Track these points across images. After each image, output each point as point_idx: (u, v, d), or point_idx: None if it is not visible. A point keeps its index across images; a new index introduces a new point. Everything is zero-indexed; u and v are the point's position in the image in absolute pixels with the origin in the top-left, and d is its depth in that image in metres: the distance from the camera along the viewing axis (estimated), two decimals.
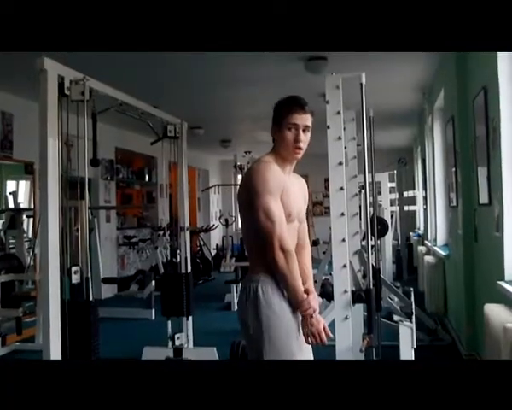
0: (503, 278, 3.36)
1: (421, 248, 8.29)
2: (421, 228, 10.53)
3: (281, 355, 2.18)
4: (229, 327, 6.48)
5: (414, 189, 11.36)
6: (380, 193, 9.15)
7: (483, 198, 4.00)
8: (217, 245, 13.43)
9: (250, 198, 2.22)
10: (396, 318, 2.77)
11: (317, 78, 5.29)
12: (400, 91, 7.12)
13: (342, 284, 3.21)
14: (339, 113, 3.23)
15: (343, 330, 3.13)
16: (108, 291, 8.46)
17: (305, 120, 2.30)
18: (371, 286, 3.17)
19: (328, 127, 3.23)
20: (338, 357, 3.19)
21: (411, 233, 10.99)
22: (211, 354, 4.89)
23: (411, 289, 2.89)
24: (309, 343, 2.22)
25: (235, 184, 13.72)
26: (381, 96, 6.46)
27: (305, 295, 2.18)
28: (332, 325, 3.42)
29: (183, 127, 5.07)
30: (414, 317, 2.67)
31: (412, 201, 10.98)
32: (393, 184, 9.42)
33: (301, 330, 2.22)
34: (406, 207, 10.66)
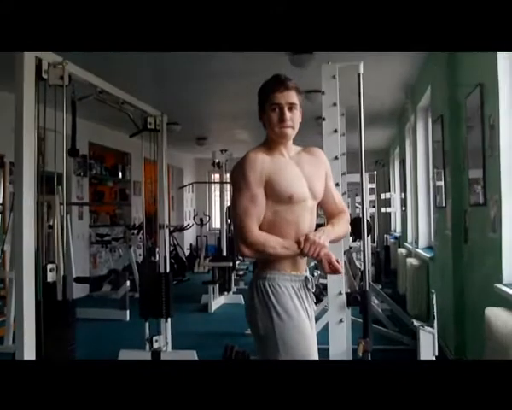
0: (500, 281, 3.23)
1: (402, 251, 8.21)
2: (398, 230, 10.47)
3: (295, 356, 2.05)
4: (207, 329, 6.30)
5: (389, 191, 11.30)
6: (357, 194, 9.07)
7: (476, 198, 3.89)
8: (190, 245, 13.18)
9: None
10: (416, 322, 2.61)
11: (301, 73, 5.13)
12: (380, 91, 6.91)
13: (337, 285, 3.05)
14: (335, 104, 3.08)
15: (338, 334, 2.97)
16: (80, 291, 8.16)
17: (289, 97, 2.13)
18: (368, 288, 3.02)
19: (324, 119, 3.08)
20: None
21: (387, 236, 10.92)
22: (190, 357, 4.70)
23: (433, 291, 2.73)
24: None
25: (211, 182, 13.53)
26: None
27: (295, 246, 2.04)
28: (325, 329, 3.28)
29: (164, 120, 4.87)
30: (436, 322, 2.51)
31: (387, 203, 10.91)
32: (373, 185, 9.33)
33: (314, 324, 2.16)
34: (383, 209, 10.59)
